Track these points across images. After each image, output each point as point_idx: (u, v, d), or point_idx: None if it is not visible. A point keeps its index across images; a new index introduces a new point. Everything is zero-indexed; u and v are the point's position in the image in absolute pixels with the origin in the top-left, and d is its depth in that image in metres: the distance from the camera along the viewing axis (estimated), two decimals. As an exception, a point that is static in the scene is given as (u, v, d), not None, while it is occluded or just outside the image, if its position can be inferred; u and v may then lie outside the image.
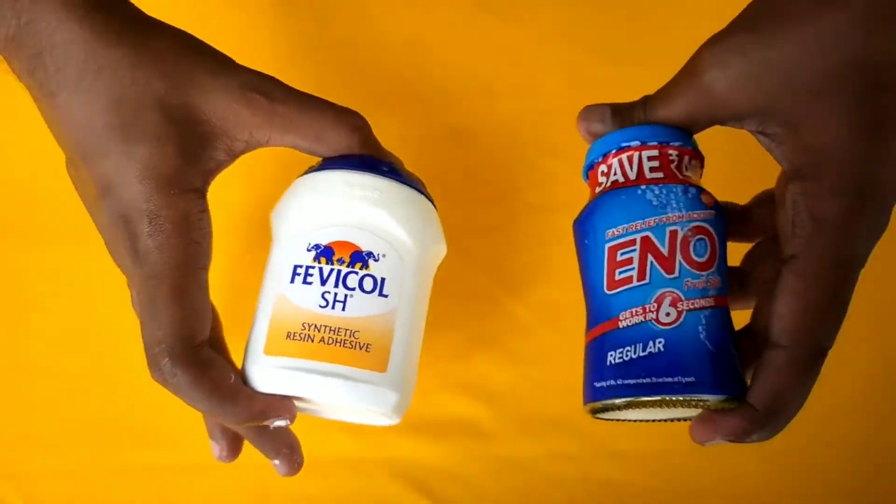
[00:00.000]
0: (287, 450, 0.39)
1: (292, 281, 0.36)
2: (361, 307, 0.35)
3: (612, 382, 0.33)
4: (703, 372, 0.32)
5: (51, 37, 0.32)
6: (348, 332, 0.35)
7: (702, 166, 0.37)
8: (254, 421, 0.36)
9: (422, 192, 0.39)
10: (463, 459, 0.49)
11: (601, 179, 0.36)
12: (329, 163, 0.37)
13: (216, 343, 0.37)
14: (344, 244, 0.36)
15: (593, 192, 0.37)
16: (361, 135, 0.37)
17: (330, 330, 0.35)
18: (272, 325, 0.35)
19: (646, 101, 0.36)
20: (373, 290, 0.36)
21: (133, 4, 0.35)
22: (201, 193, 0.35)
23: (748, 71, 0.32)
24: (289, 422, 0.37)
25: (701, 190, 0.35)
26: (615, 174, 0.35)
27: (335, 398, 0.35)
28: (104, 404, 0.50)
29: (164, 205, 0.33)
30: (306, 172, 0.38)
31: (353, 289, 0.35)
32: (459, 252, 0.52)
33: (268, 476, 0.47)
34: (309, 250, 0.36)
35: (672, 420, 0.36)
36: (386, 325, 0.36)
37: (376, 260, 0.36)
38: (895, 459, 0.51)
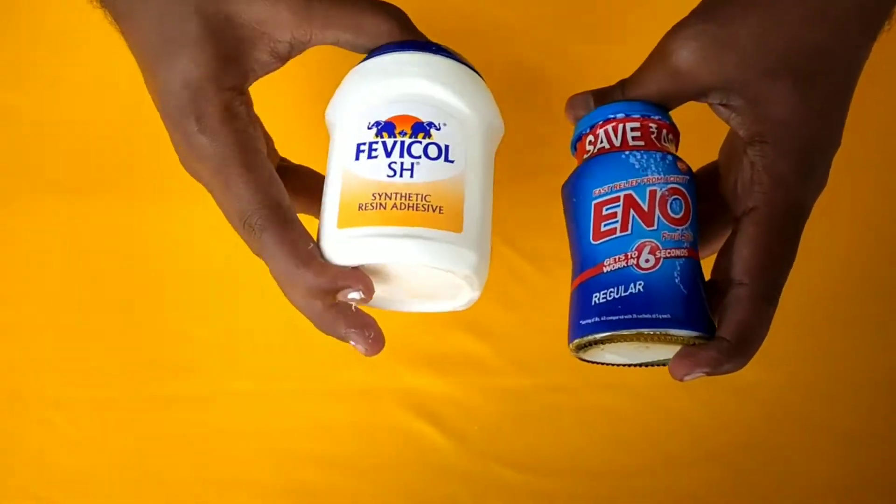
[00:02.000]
0: (358, 328, 0.38)
1: (357, 158, 0.36)
2: (429, 173, 0.35)
3: (597, 319, 0.37)
4: (677, 310, 0.36)
5: None
6: (419, 197, 0.35)
7: (677, 140, 0.41)
8: (330, 290, 0.36)
9: (472, 69, 0.39)
10: (466, 390, 0.54)
11: (588, 147, 0.40)
12: (377, 51, 0.38)
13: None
14: (404, 118, 0.36)
15: (580, 160, 0.41)
16: (400, 22, 0.39)
17: (401, 196, 0.35)
18: (343, 200, 0.35)
19: (623, 84, 0.40)
20: (438, 157, 0.36)
21: None
22: (240, 90, 0.36)
23: (709, 52, 0.36)
24: (363, 294, 0.36)
25: (677, 158, 0.39)
26: (601, 142, 0.39)
27: (414, 259, 0.35)
28: (143, 340, 0.55)
29: (206, 103, 0.35)
30: (356, 66, 0.39)
31: (419, 157, 0.35)
32: None
33: (285, 404, 0.53)
34: (370, 128, 0.36)
35: (650, 364, 0.40)
36: (456, 188, 0.35)
37: (438, 129, 0.36)
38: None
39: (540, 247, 0.57)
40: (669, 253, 0.36)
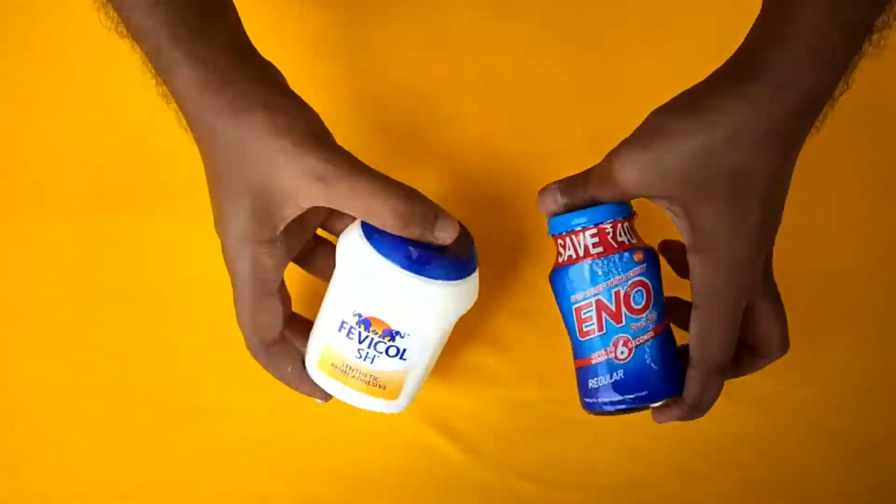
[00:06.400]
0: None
1: (339, 330, 0.46)
2: (384, 364, 0.46)
3: (595, 400, 0.47)
4: (652, 386, 0.46)
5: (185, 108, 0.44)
6: (372, 377, 0.46)
7: (634, 218, 0.47)
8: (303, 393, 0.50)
9: (455, 276, 0.45)
10: (482, 403, 0.55)
11: (560, 251, 0.47)
12: (379, 240, 0.44)
13: (291, 322, 0.49)
14: (380, 322, 0.45)
15: (557, 257, 0.47)
16: (403, 221, 0.44)
17: (359, 373, 0.46)
18: (323, 353, 0.47)
19: (587, 178, 0.45)
20: (395, 356, 0.46)
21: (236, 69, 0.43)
22: (271, 243, 0.44)
23: (646, 175, 0.42)
24: (322, 401, 0.50)
25: (633, 250, 0.45)
26: (569, 250, 0.46)
27: (357, 406, 0.48)
28: (158, 355, 0.55)
29: (239, 257, 0.44)
30: (364, 233, 0.45)
31: (381, 352, 0.45)
32: (481, 224, 0.58)
33: (302, 419, 0.54)
34: (354, 315, 0.45)
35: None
36: (401, 376, 0.47)
37: (402, 337, 0.45)
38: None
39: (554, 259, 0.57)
40: (639, 341, 0.45)
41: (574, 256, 0.46)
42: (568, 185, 0.46)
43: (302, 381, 0.49)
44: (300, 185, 0.42)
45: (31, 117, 0.58)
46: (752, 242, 0.43)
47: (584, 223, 0.45)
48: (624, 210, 0.46)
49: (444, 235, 0.45)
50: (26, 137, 0.58)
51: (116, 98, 0.57)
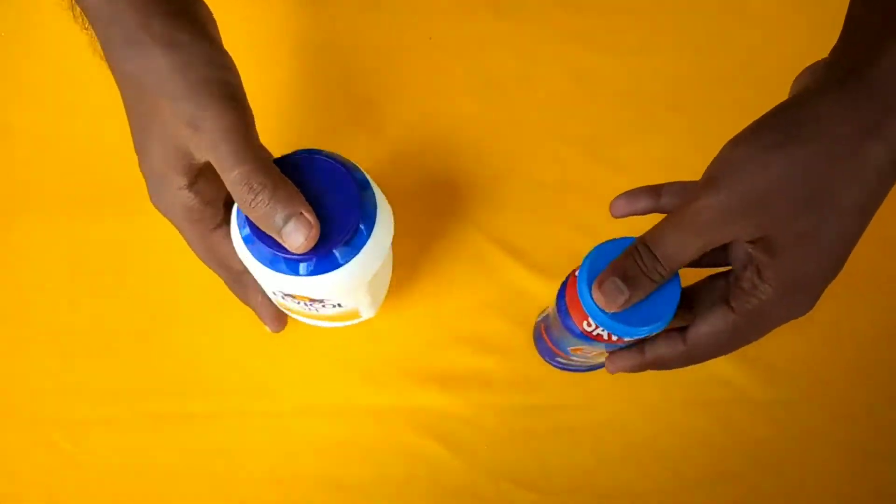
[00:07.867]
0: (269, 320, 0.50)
1: (274, 295, 0.45)
2: (329, 311, 0.46)
3: (552, 361, 0.53)
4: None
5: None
6: (326, 318, 0.47)
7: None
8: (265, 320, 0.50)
9: (333, 263, 0.40)
10: (476, 408, 0.54)
11: (588, 322, 0.42)
12: (253, 243, 0.40)
13: None
14: (300, 296, 0.42)
15: (580, 318, 0.42)
16: (244, 205, 0.38)
17: (311, 317, 0.47)
18: (277, 302, 0.47)
19: (654, 249, 0.38)
20: (333, 308, 0.45)
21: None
22: (189, 186, 0.41)
23: (746, 215, 0.37)
24: (274, 331, 0.50)
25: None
26: (596, 332, 0.42)
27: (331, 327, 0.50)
28: (147, 358, 0.55)
29: (162, 199, 0.42)
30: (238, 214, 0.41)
31: (319, 308, 0.45)
32: (473, 225, 0.57)
33: (293, 423, 0.53)
34: (277, 291, 0.43)
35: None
36: (352, 311, 0.47)
37: (326, 300, 0.43)
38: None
39: (549, 262, 0.56)
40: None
41: (605, 338, 0.42)
42: (630, 268, 0.39)
43: (266, 310, 0.48)
44: (184, 132, 0.38)
45: (22, 115, 0.58)
46: (818, 294, 0.40)
47: (623, 334, 0.41)
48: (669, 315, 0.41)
49: (290, 242, 0.38)
50: (18, 136, 0.58)
51: (108, 96, 0.56)
